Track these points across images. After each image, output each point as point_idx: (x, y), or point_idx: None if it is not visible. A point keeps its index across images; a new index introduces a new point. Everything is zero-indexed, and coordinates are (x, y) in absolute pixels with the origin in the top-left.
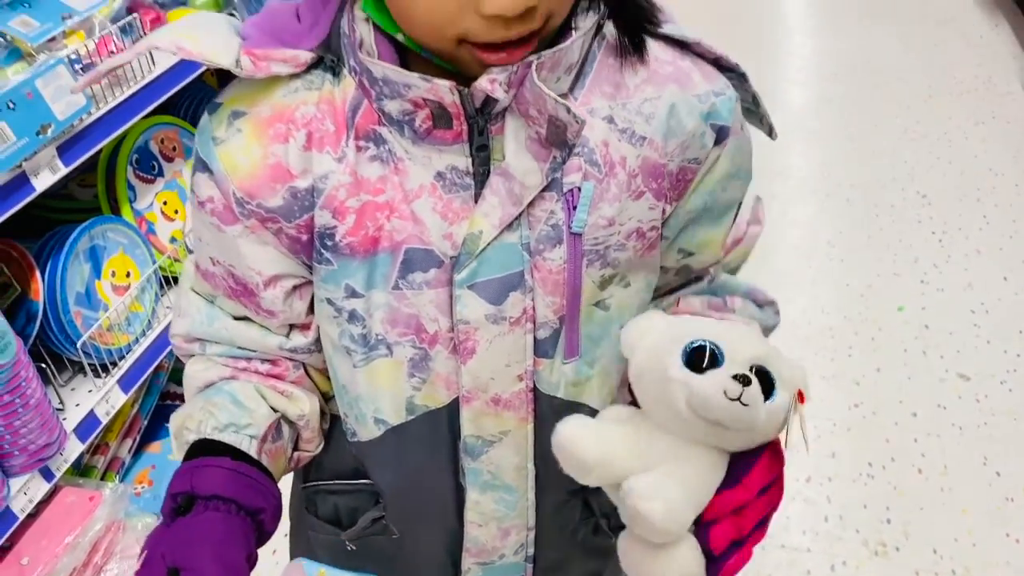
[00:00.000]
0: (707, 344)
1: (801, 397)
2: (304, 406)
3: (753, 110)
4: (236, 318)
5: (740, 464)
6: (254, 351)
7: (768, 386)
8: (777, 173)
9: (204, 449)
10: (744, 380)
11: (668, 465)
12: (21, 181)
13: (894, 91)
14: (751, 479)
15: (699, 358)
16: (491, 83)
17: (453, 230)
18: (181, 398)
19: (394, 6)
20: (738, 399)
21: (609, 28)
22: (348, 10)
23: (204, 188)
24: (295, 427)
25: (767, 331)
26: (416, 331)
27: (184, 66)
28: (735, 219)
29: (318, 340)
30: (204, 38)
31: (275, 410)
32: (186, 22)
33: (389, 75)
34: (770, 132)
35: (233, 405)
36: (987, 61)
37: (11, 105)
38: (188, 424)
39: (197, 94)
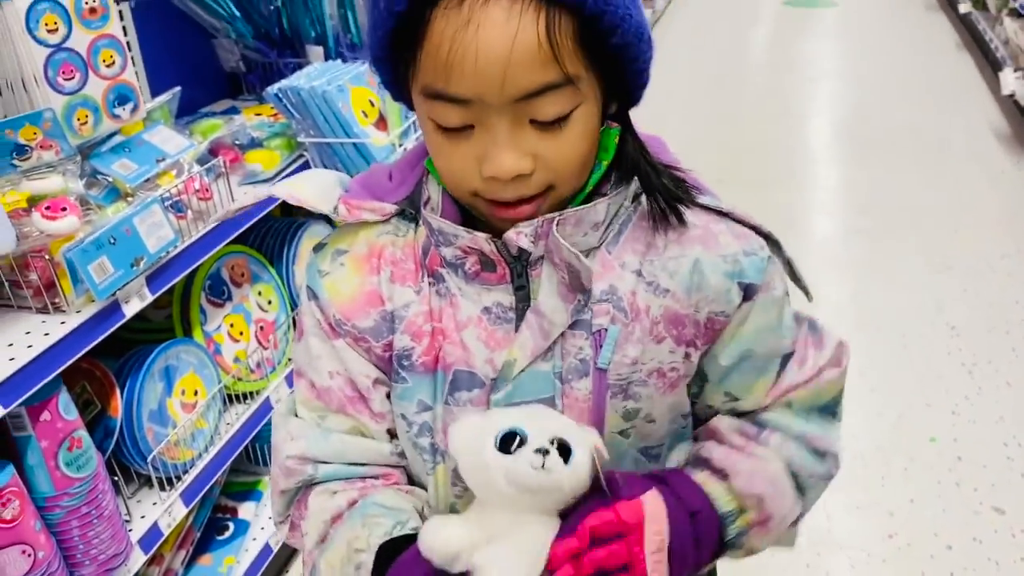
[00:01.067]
0: (513, 429)
1: (599, 453)
2: (420, 500)
3: (790, 274)
4: (347, 433)
5: (571, 518)
6: (365, 464)
7: (566, 452)
8: (805, 302)
9: (378, 560)
10: (543, 451)
11: (506, 536)
12: (113, 308)
13: (920, 223)
14: (581, 528)
15: (508, 441)
16: (516, 235)
17: (494, 356)
18: (232, 511)
19: (432, 160)
20: (541, 467)
21: (644, 197)
22: (427, 175)
23: (314, 313)
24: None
25: (819, 480)
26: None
27: (257, 203)
28: (782, 370)
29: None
30: (312, 189)
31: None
32: (301, 176)
33: (443, 227)
34: (807, 294)
35: (387, 511)
36: (1010, 196)
37: (112, 241)
38: (356, 545)
39: (265, 225)
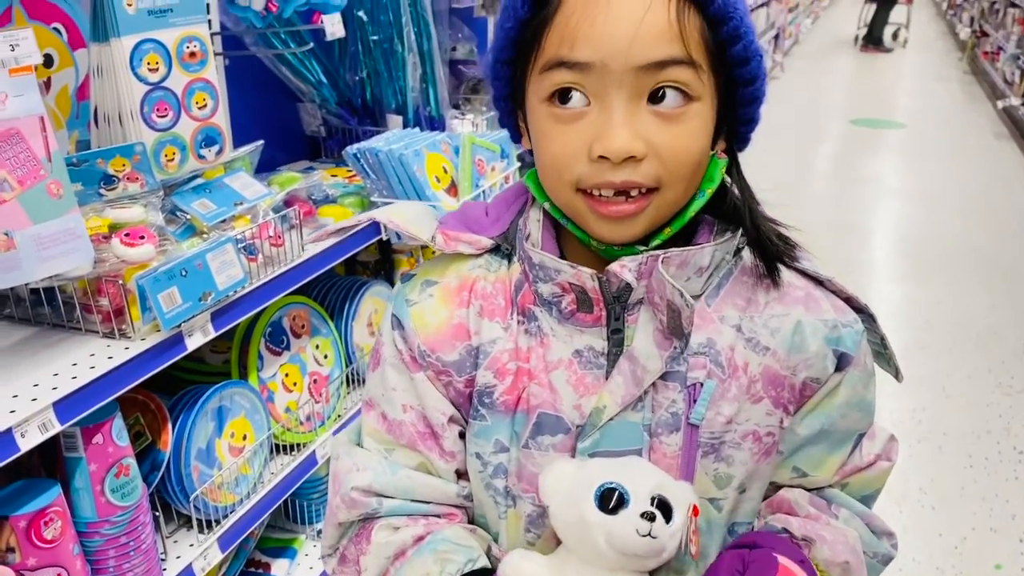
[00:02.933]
0: (614, 486)
1: (696, 511)
2: (485, 542)
3: (881, 352)
4: (414, 469)
5: None
6: (429, 503)
7: (667, 511)
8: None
9: None
10: (650, 516)
11: None
12: (176, 340)
13: (986, 343)
14: None
15: (608, 498)
16: (620, 268)
17: (582, 402)
18: (266, 567)
19: (537, 162)
20: (648, 534)
21: (747, 251)
22: (527, 211)
23: (398, 342)
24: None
25: (879, 561)
26: (537, 489)
27: (325, 255)
28: (854, 449)
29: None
30: (411, 217)
31: None
32: (399, 205)
33: (545, 262)
34: (896, 374)
35: (458, 547)
36: None
37: (184, 273)
38: None
39: (328, 281)
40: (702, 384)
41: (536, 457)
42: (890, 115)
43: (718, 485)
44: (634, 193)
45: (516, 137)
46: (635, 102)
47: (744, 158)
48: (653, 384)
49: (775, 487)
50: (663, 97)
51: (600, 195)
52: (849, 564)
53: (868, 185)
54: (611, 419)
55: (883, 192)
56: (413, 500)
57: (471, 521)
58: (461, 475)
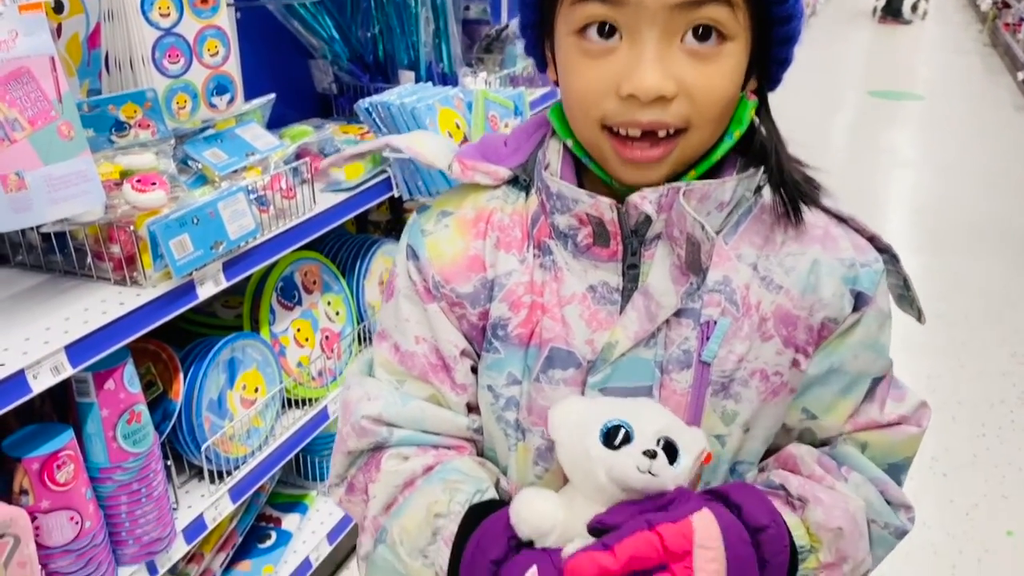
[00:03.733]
0: (620, 423)
1: (707, 458)
2: (494, 474)
3: (904, 294)
4: (425, 401)
5: (614, 532)
6: (439, 434)
7: (673, 454)
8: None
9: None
10: (651, 454)
11: None
12: (188, 288)
13: (1002, 314)
14: (620, 551)
15: (613, 435)
16: (641, 199)
17: (595, 337)
18: (276, 521)
19: (563, 96)
20: (648, 471)
21: (767, 190)
22: (547, 143)
23: (411, 273)
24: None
25: (891, 534)
26: (547, 423)
27: (336, 210)
28: (868, 397)
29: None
30: (429, 145)
31: None
32: (417, 133)
33: (563, 191)
34: (919, 316)
35: (468, 477)
36: None
37: (195, 221)
38: (436, 509)
39: (339, 238)
40: (715, 322)
41: (547, 391)
42: (908, 87)
43: (724, 421)
44: (661, 134)
45: (542, 67)
46: (668, 40)
47: None
48: (666, 321)
49: (786, 432)
50: (698, 36)
51: (627, 134)
52: (843, 531)
53: (885, 156)
54: (623, 355)
55: (900, 163)
56: (423, 431)
57: (480, 455)
58: (472, 408)
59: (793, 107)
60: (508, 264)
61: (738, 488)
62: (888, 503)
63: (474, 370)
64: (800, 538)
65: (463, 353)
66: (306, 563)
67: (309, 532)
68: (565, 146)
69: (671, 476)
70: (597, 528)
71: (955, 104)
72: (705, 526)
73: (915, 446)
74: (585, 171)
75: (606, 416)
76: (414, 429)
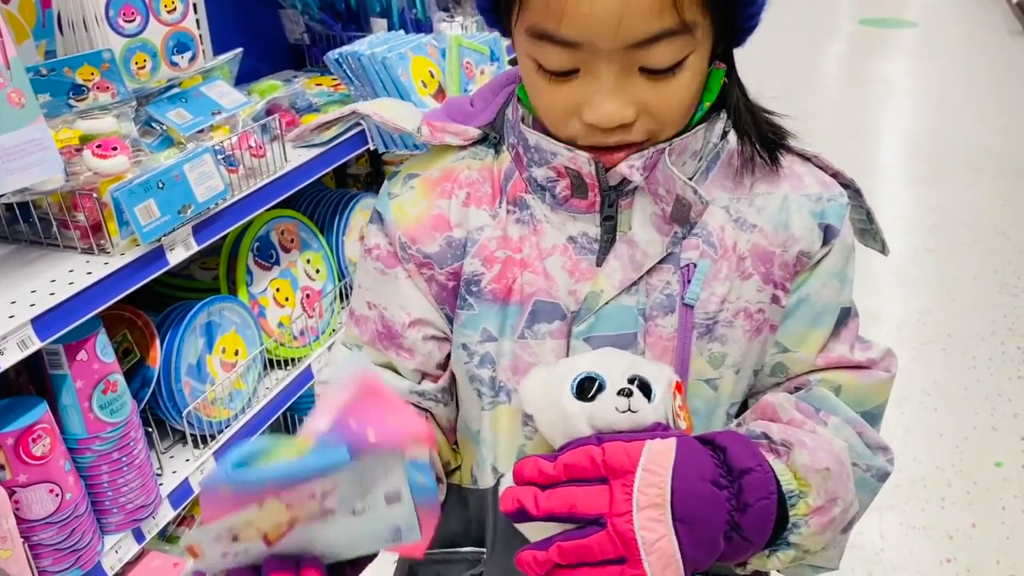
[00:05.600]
0: (588, 374)
1: (679, 388)
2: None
3: (867, 228)
4: (376, 364)
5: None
6: None
7: (646, 389)
8: (873, 319)
9: None
10: (627, 393)
11: None
12: (158, 254)
13: (993, 245)
14: (563, 455)
15: (587, 388)
16: (630, 169)
17: (578, 287)
18: None
19: (529, 99)
20: (628, 409)
21: (733, 135)
22: (514, 99)
23: (374, 236)
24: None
25: (874, 476)
26: None
27: (310, 166)
28: (838, 329)
29: (444, 390)
30: (396, 110)
31: None
32: (383, 100)
33: (541, 143)
34: (883, 248)
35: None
36: None
37: (160, 185)
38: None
39: (317, 194)
40: (695, 265)
41: (533, 347)
42: (900, 14)
43: (713, 365)
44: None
45: (506, 34)
46: (625, 71)
47: (748, 63)
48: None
49: (759, 369)
50: (655, 65)
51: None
52: (830, 471)
53: (877, 86)
54: (607, 303)
55: (893, 93)
56: None
57: (440, 427)
58: (426, 375)
59: (781, 41)
60: (479, 220)
61: (725, 433)
62: (867, 446)
63: (434, 338)
64: (788, 483)
65: (416, 322)
66: None
67: None
68: None
69: (651, 409)
70: None
71: (948, 30)
72: (658, 452)
73: (886, 392)
74: None
75: (572, 373)
76: None
